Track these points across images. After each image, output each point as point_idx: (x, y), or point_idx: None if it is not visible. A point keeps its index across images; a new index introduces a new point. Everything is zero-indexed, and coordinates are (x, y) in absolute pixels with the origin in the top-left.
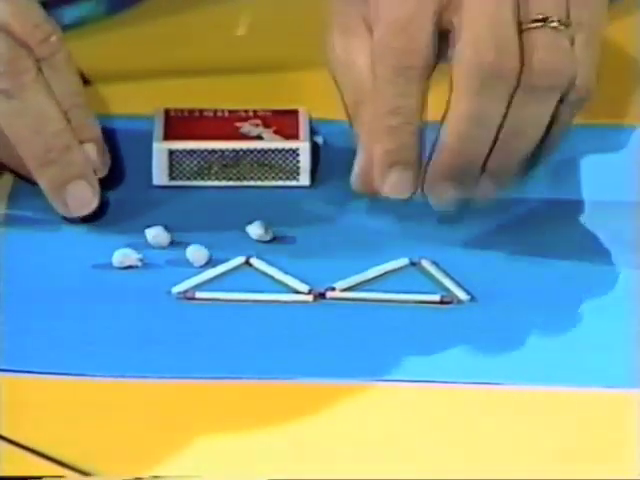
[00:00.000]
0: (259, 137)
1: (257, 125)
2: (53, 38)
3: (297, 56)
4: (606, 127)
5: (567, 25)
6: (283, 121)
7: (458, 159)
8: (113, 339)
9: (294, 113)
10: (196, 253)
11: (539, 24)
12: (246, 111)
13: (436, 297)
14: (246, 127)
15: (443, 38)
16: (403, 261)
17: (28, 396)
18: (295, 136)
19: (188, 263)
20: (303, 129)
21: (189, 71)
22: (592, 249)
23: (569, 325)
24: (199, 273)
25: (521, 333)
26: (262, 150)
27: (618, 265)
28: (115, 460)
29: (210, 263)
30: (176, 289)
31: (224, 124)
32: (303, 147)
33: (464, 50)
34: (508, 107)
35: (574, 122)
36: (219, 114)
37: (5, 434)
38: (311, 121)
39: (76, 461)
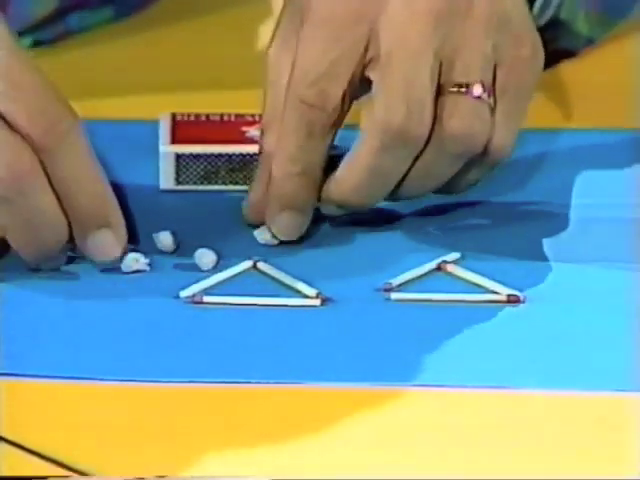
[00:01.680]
0: None
1: None
2: (61, 125)
3: None
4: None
5: (490, 92)
6: None
7: (343, 202)
8: (121, 343)
9: None
10: (204, 257)
11: (462, 89)
12: (253, 115)
13: (503, 296)
14: (253, 131)
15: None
16: (429, 265)
17: (33, 399)
18: None
19: (196, 267)
20: None
21: (196, 75)
22: (593, 251)
23: (569, 328)
24: (207, 277)
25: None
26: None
27: (618, 267)
28: (119, 460)
29: (218, 267)
30: (184, 293)
31: (231, 128)
32: None
33: (375, 106)
34: (412, 162)
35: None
36: (226, 118)
37: (9, 437)
38: None
39: (79, 462)
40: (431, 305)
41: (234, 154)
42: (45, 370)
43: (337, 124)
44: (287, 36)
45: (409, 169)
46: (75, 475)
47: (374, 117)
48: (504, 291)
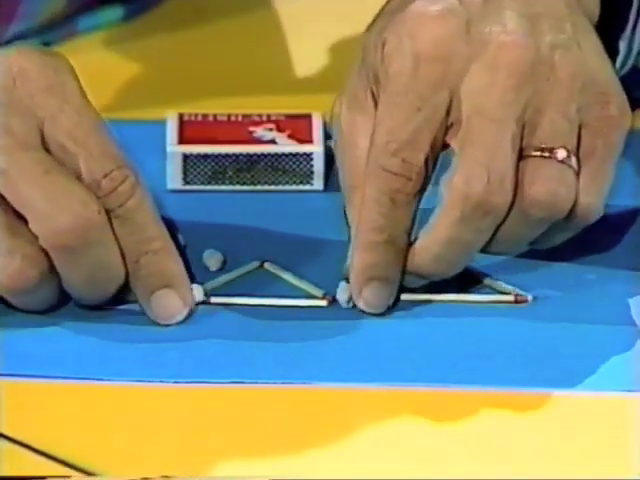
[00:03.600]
0: (273, 141)
1: (271, 129)
2: (124, 186)
3: (311, 60)
4: None
5: (576, 155)
6: (297, 125)
7: (426, 274)
8: (126, 343)
9: (308, 117)
10: (211, 257)
11: (545, 154)
12: (260, 115)
13: (510, 297)
14: (260, 131)
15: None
16: None
17: (37, 400)
18: (309, 140)
19: (203, 267)
20: (317, 133)
21: (203, 75)
22: (594, 251)
23: (574, 329)
24: (214, 277)
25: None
26: (276, 154)
27: (620, 268)
28: (124, 461)
29: (225, 268)
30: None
31: (238, 128)
32: (317, 152)
33: (455, 176)
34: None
35: None
36: (233, 118)
37: (13, 435)
38: (325, 125)
39: (83, 462)
40: (438, 305)
41: (241, 154)
42: (49, 371)
43: (421, 191)
44: (359, 96)
45: (492, 235)
46: (80, 475)
47: (453, 186)
48: (512, 291)
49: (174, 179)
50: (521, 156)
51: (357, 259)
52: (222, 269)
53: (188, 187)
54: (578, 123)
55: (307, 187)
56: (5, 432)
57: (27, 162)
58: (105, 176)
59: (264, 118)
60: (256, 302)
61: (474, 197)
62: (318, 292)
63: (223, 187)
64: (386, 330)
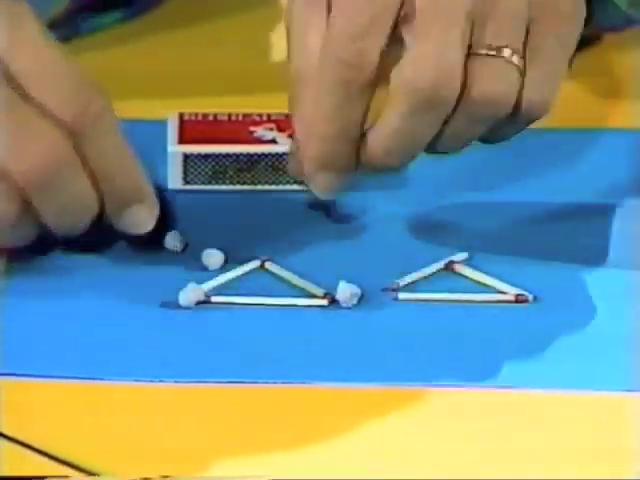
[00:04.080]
0: (273, 141)
1: (271, 129)
2: (92, 107)
3: None
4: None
5: (521, 54)
6: None
7: (378, 166)
8: (126, 343)
9: None
10: (211, 257)
11: (491, 52)
12: (260, 115)
13: (511, 296)
14: (260, 131)
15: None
16: (437, 265)
17: (37, 399)
18: None
19: (203, 267)
20: None
21: (203, 75)
22: (593, 251)
23: (575, 329)
24: (214, 277)
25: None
26: (276, 154)
27: (618, 266)
28: (123, 461)
29: (225, 267)
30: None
31: (238, 128)
32: None
33: (404, 68)
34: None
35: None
36: (233, 118)
37: (13, 435)
38: None
39: (83, 462)
40: (439, 305)
41: (242, 154)
42: (51, 370)
43: (374, 85)
44: None
45: (440, 132)
46: (80, 475)
47: (403, 78)
48: (512, 291)
49: (174, 179)
50: (469, 53)
51: (310, 149)
52: (222, 268)
53: (188, 187)
54: (528, 19)
55: (307, 187)
56: (5, 432)
57: None
58: (71, 100)
59: (264, 118)
60: (256, 302)
61: (422, 90)
62: (318, 291)
63: (223, 187)
64: (386, 330)
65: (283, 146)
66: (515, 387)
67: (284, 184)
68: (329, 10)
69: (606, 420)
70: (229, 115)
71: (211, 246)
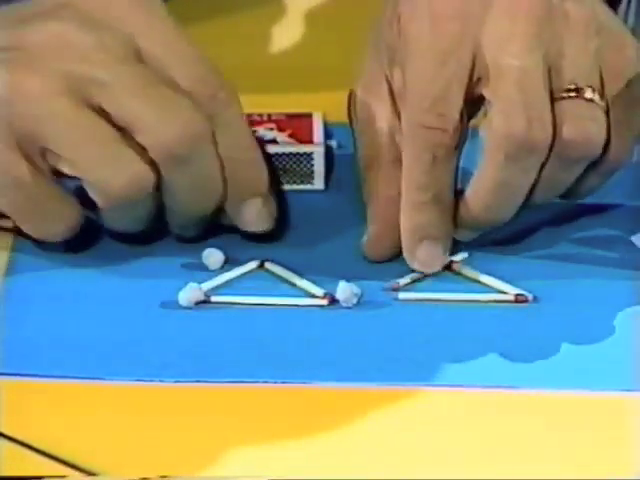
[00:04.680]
0: (274, 141)
1: (271, 129)
2: (223, 93)
3: (311, 60)
4: None
5: (601, 95)
6: (297, 125)
7: (478, 225)
8: (126, 343)
9: (308, 117)
10: (211, 257)
11: (573, 94)
12: (260, 115)
13: (511, 296)
14: (260, 131)
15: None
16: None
17: (37, 399)
18: (309, 140)
19: (203, 266)
20: (317, 133)
21: None
22: (593, 251)
23: (574, 329)
24: (214, 277)
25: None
26: (276, 154)
27: (618, 266)
28: (122, 460)
29: (225, 267)
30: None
31: None
32: (317, 151)
33: (494, 119)
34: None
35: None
36: None
37: (13, 435)
38: (325, 125)
39: (83, 462)
40: (438, 305)
41: None
42: (51, 370)
43: (459, 146)
44: (375, 78)
45: (536, 179)
46: (80, 475)
47: (494, 131)
48: (512, 291)
49: None
50: (551, 100)
51: (406, 221)
52: (222, 268)
53: None
54: (599, 64)
55: (307, 187)
56: (5, 432)
57: (129, 75)
58: (204, 83)
59: (265, 118)
60: (256, 301)
61: (516, 135)
62: (318, 291)
63: None
64: (386, 330)
65: (283, 146)
66: (515, 387)
67: (284, 184)
68: (391, 92)
69: (606, 420)
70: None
71: (211, 246)
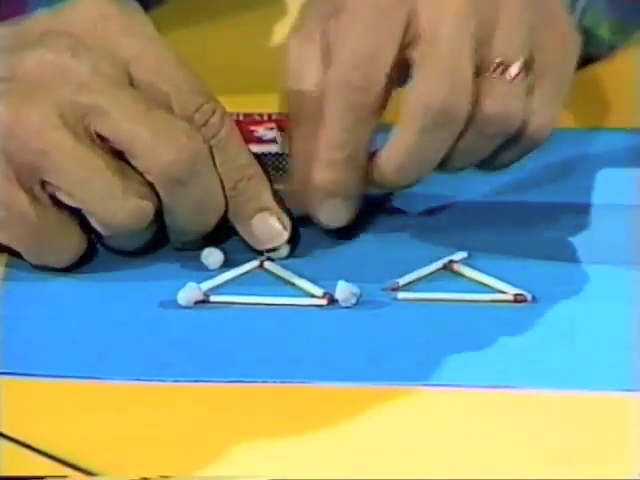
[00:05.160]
0: (274, 141)
1: (272, 129)
2: (214, 117)
3: None
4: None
5: (528, 70)
6: None
7: (386, 184)
8: (126, 342)
9: None
10: (211, 256)
11: (499, 69)
12: (261, 115)
13: (510, 296)
14: (261, 131)
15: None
16: (436, 265)
17: (37, 399)
18: None
19: (202, 266)
20: None
21: (204, 75)
22: (596, 251)
23: (574, 328)
24: (213, 276)
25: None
26: (277, 154)
27: (620, 267)
28: (122, 460)
29: (225, 267)
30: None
31: (239, 127)
32: None
33: (417, 86)
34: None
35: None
36: (234, 117)
37: (13, 435)
38: None
39: (83, 462)
40: (438, 304)
41: None
42: (50, 369)
43: (381, 109)
44: (312, 29)
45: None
46: (80, 475)
47: (415, 98)
48: (511, 291)
49: None
50: (476, 73)
51: (316, 177)
52: (222, 268)
53: None
54: (531, 42)
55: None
56: (5, 432)
57: (126, 100)
58: (197, 110)
59: (265, 118)
60: (255, 301)
61: (435, 107)
62: (318, 291)
63: None
64: (386, 330)
65: (283, 146)
66: (514, 387)
67: (284, 183)
68: (326, 48)
69: (606, 420)
70: (230, 115)
71: (210, 245)
